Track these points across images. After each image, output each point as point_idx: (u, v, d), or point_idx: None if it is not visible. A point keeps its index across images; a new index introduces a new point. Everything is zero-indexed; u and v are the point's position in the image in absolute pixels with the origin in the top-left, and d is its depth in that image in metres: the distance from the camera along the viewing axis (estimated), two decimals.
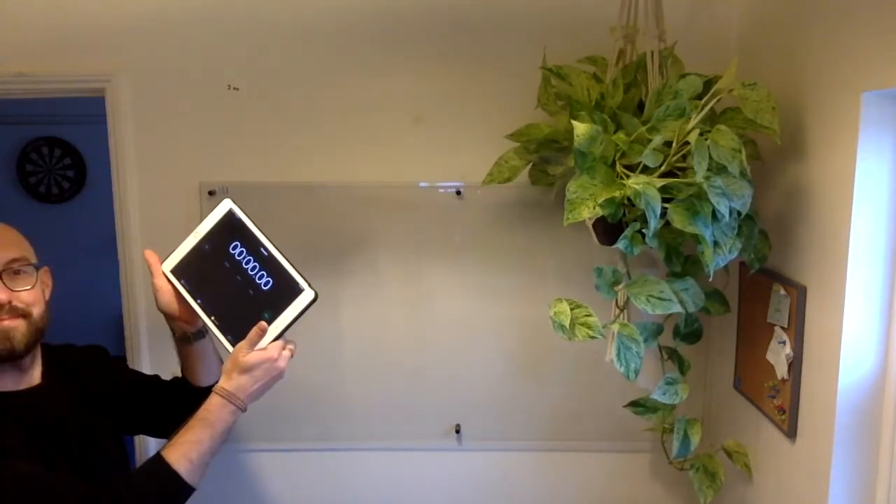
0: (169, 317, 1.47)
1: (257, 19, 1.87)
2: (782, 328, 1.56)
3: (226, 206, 1.43)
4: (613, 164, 1.46)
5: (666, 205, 1.39)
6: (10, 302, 1.31)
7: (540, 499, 2.07)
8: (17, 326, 1.33)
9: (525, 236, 1.94)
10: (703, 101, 1.42)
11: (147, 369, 1.99)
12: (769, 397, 1.62)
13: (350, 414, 2.02)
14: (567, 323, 1.51)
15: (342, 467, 2.06)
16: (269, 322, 1.35)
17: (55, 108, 4.06)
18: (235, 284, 1.39)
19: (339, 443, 2.04)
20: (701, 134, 1.36)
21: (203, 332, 1.50)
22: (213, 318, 1.39)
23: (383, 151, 1.92)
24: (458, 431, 2.02)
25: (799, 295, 1.48)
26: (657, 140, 1.39)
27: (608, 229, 1.52)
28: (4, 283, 1.31)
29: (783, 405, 1.55)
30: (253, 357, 1.34)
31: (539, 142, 1.67)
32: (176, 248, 1.44)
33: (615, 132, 1.48)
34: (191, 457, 1.30)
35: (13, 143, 4.26)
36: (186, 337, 1.49)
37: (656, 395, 1.63)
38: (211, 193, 1.93)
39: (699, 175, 1.33)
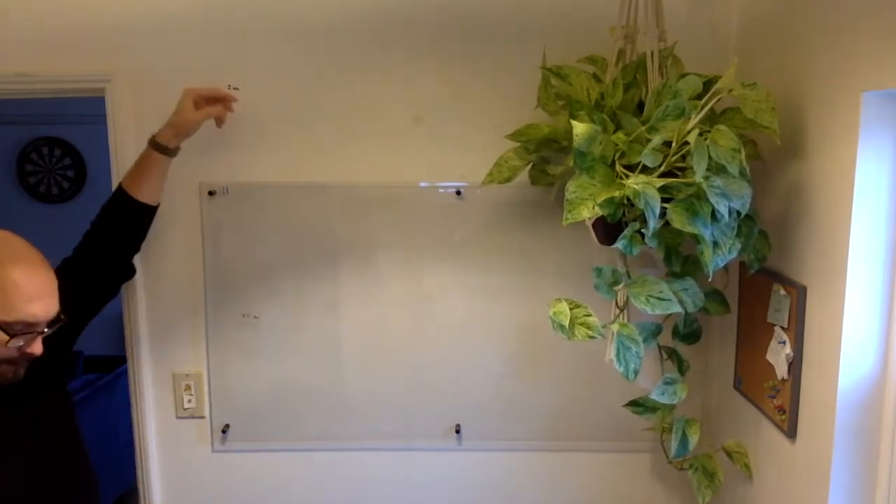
0: (182, 128, 1.68)
1: (257, 19, 1.87)
2: (782, 328, 1.56)
3: None
4: (613, 164, 1.46)
5: (665, 205, 1.39)
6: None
7: (540, 499, 2.07)
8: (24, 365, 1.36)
9: (525, 236, 1.94)
10: (702, 101, 1.42)
11: (147, 369, 2.00)
12: (769, 397, 1.62)
13: (350, 414, 2.02)
14: (566, 323, 1.51)
15: (342, 467, 2.06)
16: None
17: (55, 108, 4.07)
18: None
19: (339, 443, 2.04)
20: (700, 134, 1.36)
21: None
22: None
23: (383, 151, 1.92)
24: (458, 431, 2.02)
25: (799, 295, 1.48)
26: (657, 140, 1.39)
27: (608, 229, 1.52)
28: (42, 339, 1.32)
29: (783, 405, 1.55)
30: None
31: (539, 142, 1.67)
32: None
33: (615, 132, 1.48)
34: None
35: (13, 143, 4.27)
36: (170, 150, 1.69)
37: (655, 395, 1.63)
38: (211, 193, 1.93)
39: (698, 175, 1.33)
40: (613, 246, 1.47)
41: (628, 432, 1.99)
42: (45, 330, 1.32)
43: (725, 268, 1.51)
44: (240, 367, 2.00)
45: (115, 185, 1.92)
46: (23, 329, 1.28)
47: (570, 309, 1.53)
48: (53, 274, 1.35)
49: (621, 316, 1.68)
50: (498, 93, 1.88)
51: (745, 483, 1.77)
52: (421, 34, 1.88)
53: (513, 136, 1.69)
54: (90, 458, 1.58)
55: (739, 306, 1.79)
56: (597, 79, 1.63)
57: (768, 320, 1.61)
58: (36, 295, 1.29)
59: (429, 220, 1.94)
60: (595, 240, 1.61)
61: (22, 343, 1.29)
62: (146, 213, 1.71)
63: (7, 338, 1.27)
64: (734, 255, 1.45)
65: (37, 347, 1.32)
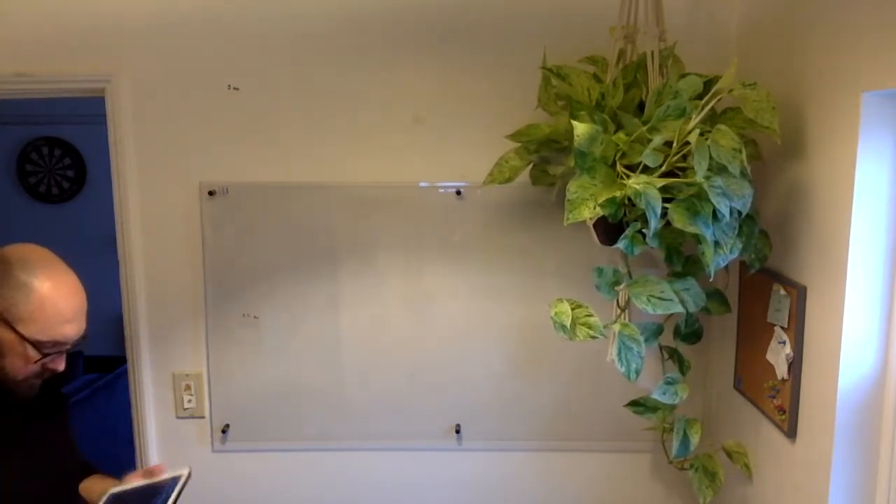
0: None
1: (257, 19, 1.87)
2: (782, 328, 1.56)
3: (185, 471, 1.41)
4: (614, 164, 1.45)
5: (666, 205, 1.39)
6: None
7: (540, 499, 2.07)
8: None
9: (525, 236, 1.94)
10: (703, 101, 1.42)
11: (147, 369, 2.00)
12: (769, 397, 1.62)
13: (350, 414, 2.02)
14: (568, 323, 1.51)
15: (342, 467, 2.06)
16: None
17: (55, 108, 4.07)
18: None
19: (339, 443, 2.04)
20: (701, 134, 1.36)
21: None
22: None
23: (383, 151, 1.92)
24: (458, 431, 2.02)
25: (799, 295, 1.48)
26: (657, 140, 1.39)
27: (609, 229, 1.52)
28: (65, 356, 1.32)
29: (783, 405, 1.55)
30: None
31: (539, 142, 1.67)
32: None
33: (615, 132, 1.48)
34: None
35: (13, 143, 4.27)
36: None
37: (656, 395, 1.63)
38: (211, 193, 1.93)
39: (699, 175, 1.33)
40: (615, 246, 1.47)
41: (629, 432, 1.99)
42: (70, 348, 1.33)
43: (726, 268, 1.51)
44: (240, 367, 2.00)
45: (114, 185, 1.92)
46: (52, 348, 1.29)
47: (572, 309, 1.53)
48: (84, 293, 1.34)
49: (623, 316, 1.69)
50: (498, 93, 1.88)
51: (745, 483, 1.77)
52: (421, 34, 1.88)
53: (513, 137, 1.69)
54: (89, 458, 1.58)
55: (740, 306, 1.79)
56: (597, 79, 1.63)
57: (768, 320, 1.61)
58: (72, 317, 1.29)
59: (429, 220, 1.94)
60: (596, 240, 1.61)
61: (47, 360, 1.30)
62: None
63: (38, 356, 1.27)
64: (735, 254, 1.45)
65: (60, 364, 1.32)
